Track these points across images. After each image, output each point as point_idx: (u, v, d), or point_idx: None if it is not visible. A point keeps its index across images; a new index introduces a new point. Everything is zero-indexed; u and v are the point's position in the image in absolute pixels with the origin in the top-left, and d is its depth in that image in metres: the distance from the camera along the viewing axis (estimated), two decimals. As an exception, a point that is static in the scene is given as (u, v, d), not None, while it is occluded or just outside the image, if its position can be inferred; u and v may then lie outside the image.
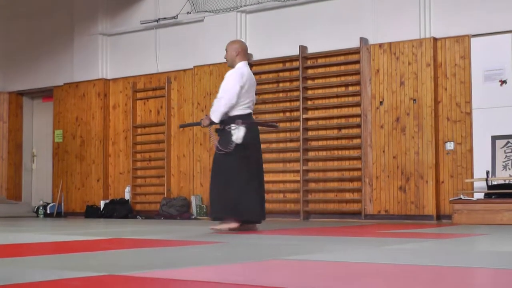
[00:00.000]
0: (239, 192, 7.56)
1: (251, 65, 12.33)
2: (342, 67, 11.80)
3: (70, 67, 15.02)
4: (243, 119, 7.62)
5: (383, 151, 11.05)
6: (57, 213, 14.52)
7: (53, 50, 15.41)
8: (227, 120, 7.63)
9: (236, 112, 7.62)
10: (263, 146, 12.07)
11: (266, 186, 12.06)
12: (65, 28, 15.18)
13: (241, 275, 3.47)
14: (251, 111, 7.81)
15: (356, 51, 11.54)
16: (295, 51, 12.05)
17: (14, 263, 4.11)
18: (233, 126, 7.60)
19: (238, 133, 7.56)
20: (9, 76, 16.08)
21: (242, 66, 7.78)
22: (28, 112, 16.29)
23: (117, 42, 14.57)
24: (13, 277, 3.34)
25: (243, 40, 8.08)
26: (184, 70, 13.41)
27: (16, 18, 16.08)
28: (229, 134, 7.58)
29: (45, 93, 15.77)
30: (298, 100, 11.98)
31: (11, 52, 16.14)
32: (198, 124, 8.36)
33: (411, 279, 3.34)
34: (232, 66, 7.85)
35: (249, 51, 12.39)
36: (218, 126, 7.79)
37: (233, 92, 7.57)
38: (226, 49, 7.92)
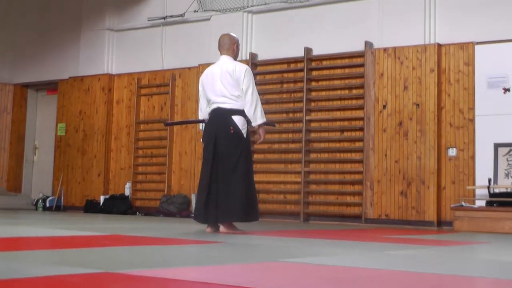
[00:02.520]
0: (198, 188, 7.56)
1: (255, 65, 12.36)
2: (347, 70, 11.79)
3: (76, 61, 15.03)
4: (209, 115, 7.61)
5: (385, 155, 11.03)
6: (57, 206, 14.52)
7: (60, 43, 15.43)
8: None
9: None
10: (265, 146, 12.12)
11: (267, 186, 12.10)
12: (73, 22, 15.20)
13: (239, 276, 3.46)
14: (216, 106, 7.48)
15: (360, 55, 11.53)
16: (300, 53, 12.04)
17: (12, 257, 4.10)
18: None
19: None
20: (16, 68, 16.09)
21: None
22: (32, 104, 16.30)
23: (124, 38, 14.58)
24: (11, 271, 3.33)
25: (224, 34, 7.96)
26: (189, 68, 13.41)
27: (24, 11, 16.10)
28: None
29: (50, 86, 15.79)
30: (301, 101, 11.97)
31: (19, 44, 16.16)
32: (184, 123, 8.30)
33: (409, 286, 3.33)
34: None
35: (254, 51, 12.51)
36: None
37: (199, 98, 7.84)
38: None
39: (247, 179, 7.44)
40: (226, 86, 7.45)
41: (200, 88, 7.75)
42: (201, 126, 7.77)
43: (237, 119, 7.42)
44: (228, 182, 7.29)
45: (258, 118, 7.48)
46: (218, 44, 7.83)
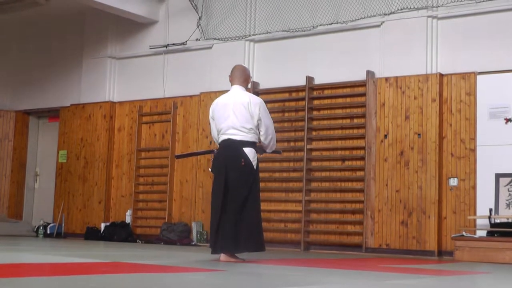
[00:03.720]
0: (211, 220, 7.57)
1: (256, 93, 12.37)
2: (348, 99, 11.81)
3: (77, 89, 15.08)
4: (220, 147, 7.60)
5: (386, 185, 11.02)
6: (57, 233, 14.48)
7: (62, 71, 15.48)
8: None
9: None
10: (266, 174, 12.11)
11: (268, 215, 12.06)
12: (74, 50, 15.27)
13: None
14: (226, 137, 7.48)
15: (362, 84, 11.55)
16: (302, 82, 12.07)
17: (12, 284, 4.09)
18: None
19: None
20: (17, 95, 16.14)
21: (224, 94, 7.81)
22: (33, 132, 16.32)
23: (126, 66, 14.63)
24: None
25: (239, 65, 8.02)
26: (191, 96, 13.44)
27: (27, 39, 16.19)
28: None
29: (52, 113, 15.82)
30: (303, 130, 11.98)
31: (20, 71, 16.22)
32: (193, 154, 8.30)
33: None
34: None
35: (256, 80, 12.51)
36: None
37: (211, 127, 7.78)
38: None
39: (256, 211, 7.49)
40: (239, 118, 7.43)
41: (211, 119, 7.70)
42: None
43: (248, 151, 7.41)
44: (238, 213, 7.30)
45: (273, 148, 7.75)
46: (232, 74, 7.78)
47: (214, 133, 7.70)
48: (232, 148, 7.42)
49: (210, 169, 7.75)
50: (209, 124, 7.83)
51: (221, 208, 7.30)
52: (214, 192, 7.49)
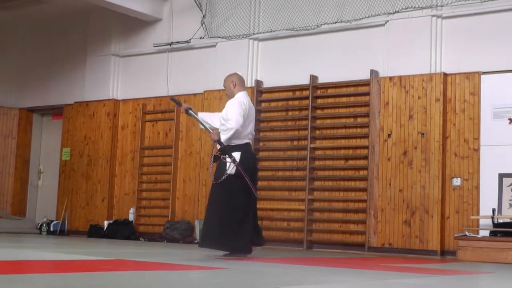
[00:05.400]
0: (232, 224, 7.74)
1: (260, 92, 12.38)
2: (352, 98, 11.80)
3: (81, 86, 15.08)
4: (241, 149, 7.69)
5: (389, 184, 11.02)
6: (60, 231, 14.50)
7: (66, 68, 15.50)
8: (226, 149, 7.68)
9: (236, 141, 7.69)
10: (269, 173, 12.13)
11: (271, 213, 12.08)
12: (78, 48, 15.28)
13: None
14: (248, 141, 7.92)
15: (366, 83, 11.55)
16: (306, 80, 12.07)
17: (15, 281, 4.10)
18: (228, 158, 7.72)
19: (231, 166, 7.67)
20: (21, 93, 16.16)
21: (241, 96, 7.93)
22: (37, 129, 16.34)
23: (129, 64, 14.63)
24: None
25: (237, 73, 8.29)
26: (194, 94, 13.44)
27: (31, 36, 16.21)
28: (224, 165, 7.71)
29: (55, 111, 15.84)
30: (306, 129, 11.97)
31: (25, 69, 16.24)
32: (184, 111, 8.41)
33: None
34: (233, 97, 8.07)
35: (260, 78, 12.52)
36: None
37: (239, 121, 7.67)
38: (224, 86, 8.21)
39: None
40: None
41: (243, 115, 7.76)
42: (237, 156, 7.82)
43: None
44: (256, 211, 8.05)
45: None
46: (235, 80, 8.17)
47: (239, 127, 7.71)
48: (253, 152, 8.10)
49: (234, 167, 7.69)
50: (241, 116, 7.78)
51: (249, 208, 7.80)
52: (242, 191, 7.70)
